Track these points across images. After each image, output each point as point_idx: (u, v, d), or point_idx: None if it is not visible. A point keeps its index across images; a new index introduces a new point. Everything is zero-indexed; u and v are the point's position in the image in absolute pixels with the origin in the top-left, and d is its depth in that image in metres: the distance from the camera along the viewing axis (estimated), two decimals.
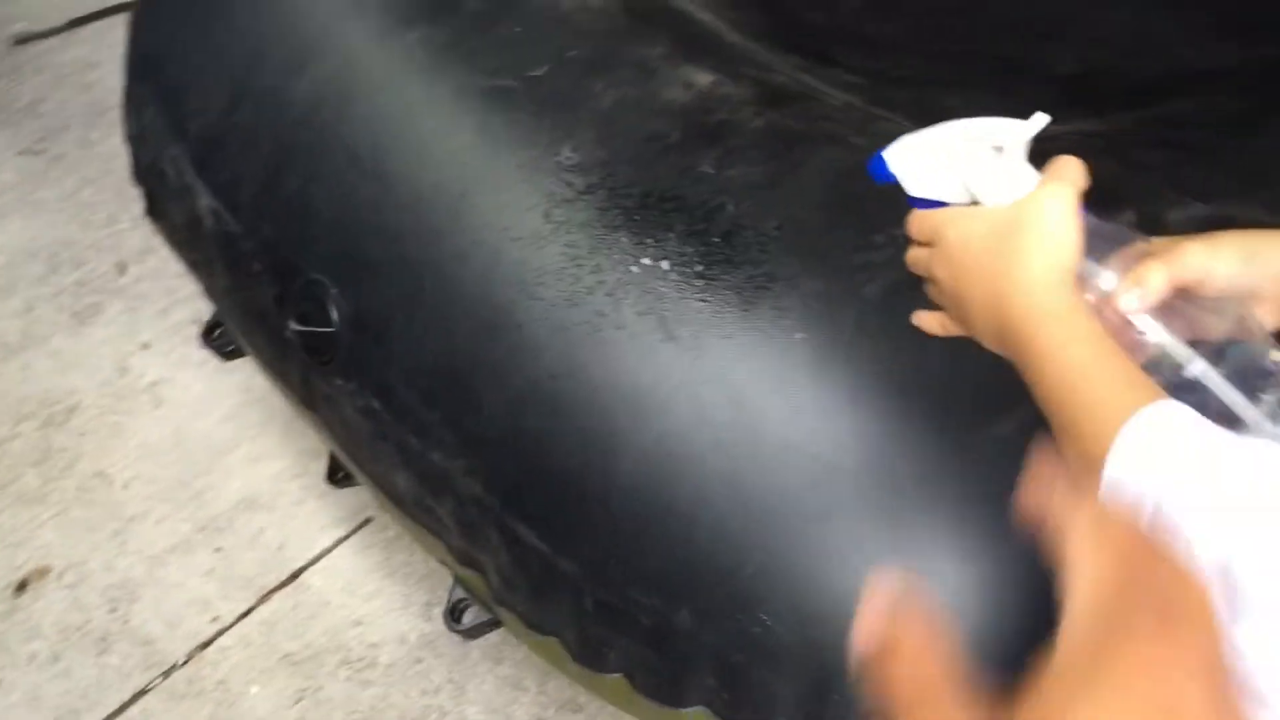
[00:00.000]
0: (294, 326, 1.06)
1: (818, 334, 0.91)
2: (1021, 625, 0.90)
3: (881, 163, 0.76)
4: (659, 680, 0.99)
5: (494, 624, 1.16)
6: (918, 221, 0.74)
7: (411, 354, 1.02)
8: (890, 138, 1.05)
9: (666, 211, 0.96)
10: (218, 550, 1.65)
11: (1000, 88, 1.24)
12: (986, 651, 0.89)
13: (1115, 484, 0.56)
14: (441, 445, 1.02)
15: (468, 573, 1.09)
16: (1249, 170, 1.04)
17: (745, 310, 0.92)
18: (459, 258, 1.00)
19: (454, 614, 1.16)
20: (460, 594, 1.16)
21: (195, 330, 1.90)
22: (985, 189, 0.69)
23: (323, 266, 1.08)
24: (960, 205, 0.72)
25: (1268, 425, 0.63)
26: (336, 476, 1.36)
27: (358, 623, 1.58)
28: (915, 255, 0.75)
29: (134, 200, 2.11)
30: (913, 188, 0.75)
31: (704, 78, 1.07)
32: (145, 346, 1.87)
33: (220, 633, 1.58)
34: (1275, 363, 0.66)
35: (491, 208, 0.99)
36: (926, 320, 0.78)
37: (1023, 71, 1.25)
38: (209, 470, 1.73)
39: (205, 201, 1.18)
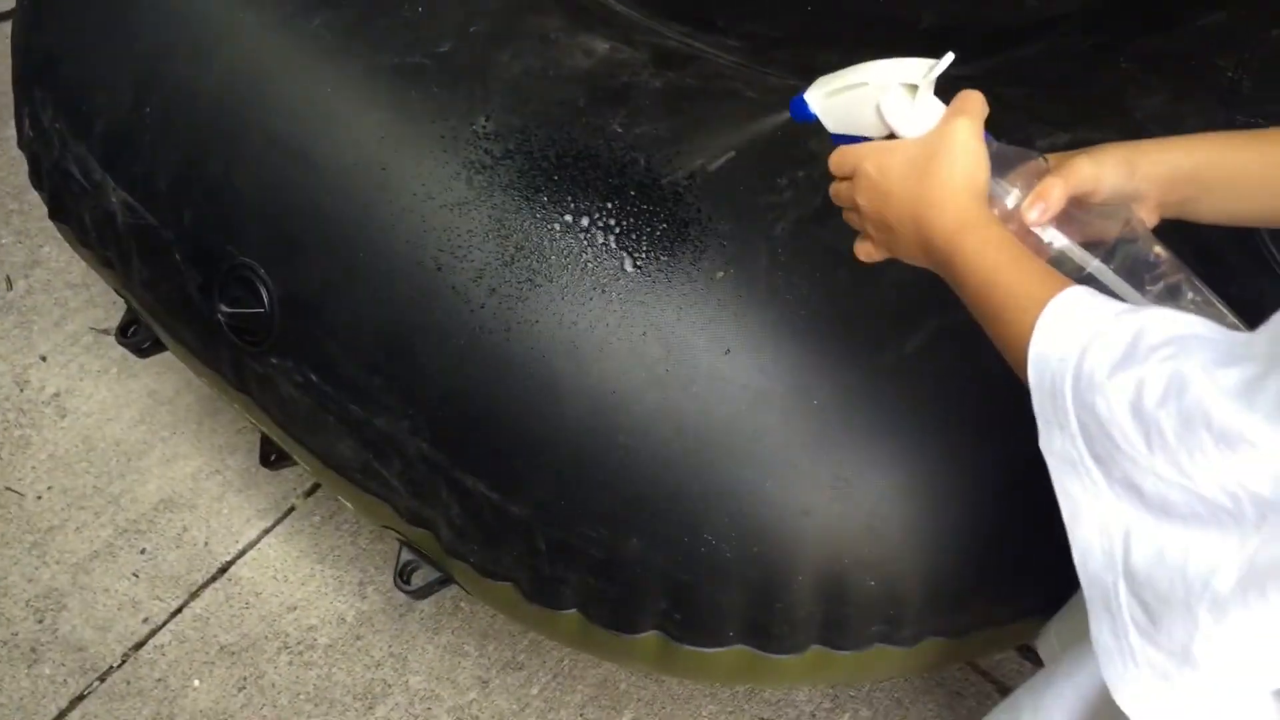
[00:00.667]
0: (224, 310, 1.09)
1: (735, 272, 0.98)
2: (939, 524, 0.99)
3: (802, 104, 0.82)
4: (613, 609, 1.05)
5: (443, 582, 1.20)
6: (839, 157, 0.80)
7: (349, 325, 1.06)
8: (780, 91, 1.14)
9: (583, 170, 1.02)
10: (142, 552, 1.65)
11: (870, 41, 1.32)
12: (909, 547, 0.98)
13: (1041, 357, 0.64)
14: (386, 410, 1.06)
15: (418, 532, 1.13)
16: (1099, 100, 1.15)
17: (667, 255, 0.98)
18: (387, 228, 1.04)
19: (403, 576, 1.20)
20: (408, 556, 1.20)
21: (92, 339, 1.88)
22: (900, 123, 0.76)
23: (251, 250, 1.10)
24: (877, 140, 0.78)
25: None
26: (270, 459, 1.38)
27: (293, 608, 1.60)
28: (838, 189, 0.82)
29: (15, 214, 2.08)
30: (832, 125, 0.81)
31: (601, 45, 1.13)
32: (43, 359, 1.85)
33: (154, 632, 1.58)
34: (1157, 255, 0.76)
35: (415, 178, 1.03)
36: (857, 248, 0.83)
37: (890, 26, 1.35)
38: (124, 475, 1.72)
39: (117, 197, 1.19)
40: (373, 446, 1.09)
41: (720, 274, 0.98)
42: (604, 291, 0.98)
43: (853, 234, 0.97)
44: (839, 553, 0.98)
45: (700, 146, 1.04)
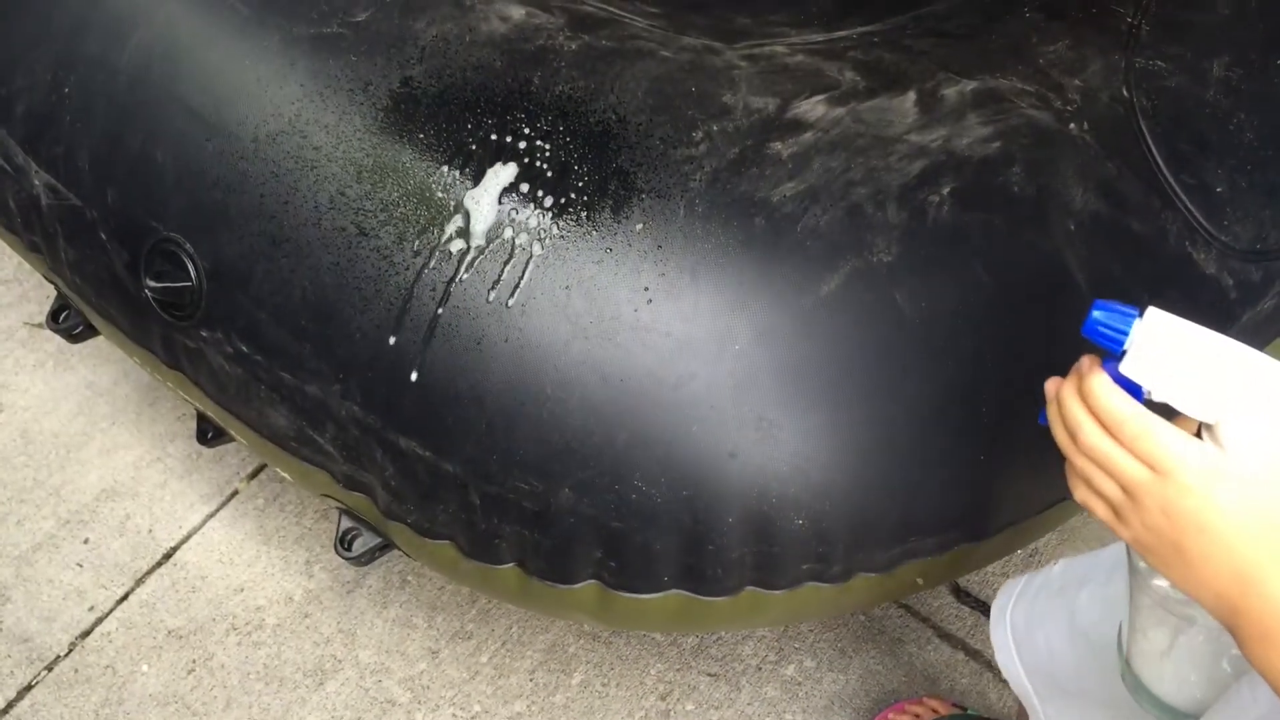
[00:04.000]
0: (150, 285, 1.09)
1: (654, 223, 1.00)
2: (862, 461, 1.02)
3: (1117, 317, 0.65)
4: (549, 561, 1.07)
5: (384, 547, 1.21)
6: (1142, 431, 0.62)
7: (276, 294, 1.06)
8: (694, 51, 1.15)
9: (503, 132, 1.03)
10: (85, 542, 1.64)
11: (785, 3, 1.35)
12: (834, 485, 1.01)
13: None
14: (317, 375, 1.06)
15: (355, 496, 1.14)
16: (1004, 49, 1.18)
17: (589, 212, 1.00)
18: (309, 196, 1.04)
19: (344, 543, 1.21)
20: (348, 523, 1.21)
21: (27, 334, 1.86)
22: (1239, 426, 0.59)
23: (175, 224, 1.10)
24: (1191, 420, 0.62)
25: None
26: (207, 436, 1.38)
27: (239, 590, 1.60)
28: (1107, 452, 0.64)
29: None
30: (1147, 371, 0.63)
31: (517, 11, 1.14)
32: None
33: (100, 620, 1.57)
34: None
35: (334, 145, 1.04)
36: (1095, 506, 0.68)
37: None
38: (64, 467, 1.71)
39: (40, 179, 1.19)
40: (305, 413, 1.10)
41: (640, 226, 1.00)
42: (528, 247, 0.99)
43: (766, 182, 1.00)
44: (766, 493, 1.00)
45: (615, 103, 1.05)
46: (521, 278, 0.98)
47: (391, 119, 1.05)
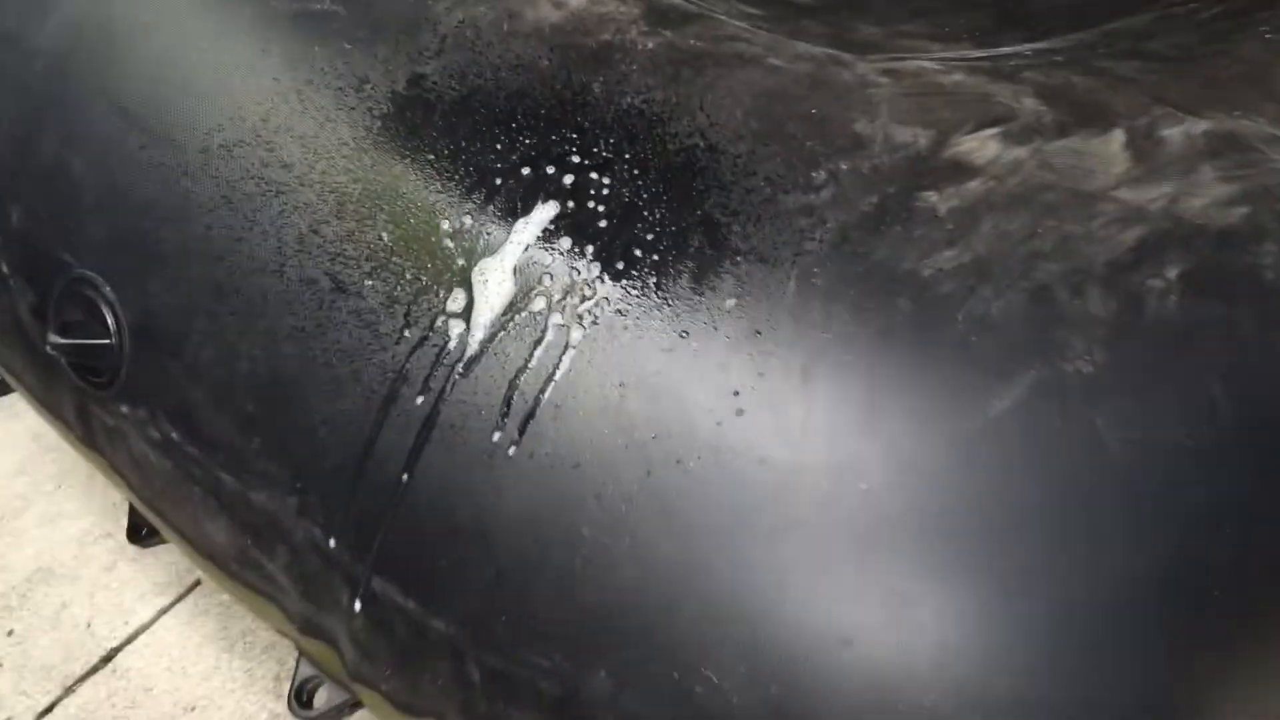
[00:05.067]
0: (55, 340, 0.82)
1: (753, 300, 0.72)
2: (1036, 660, 0.72)
3: None
4: None
5: (355, 705, 0.93)
6: None
7: (219, 365, 0.80)
8: (814, 60, 0.88)
9: (546, 158, 0.76)
10: (10, 634, 1.38)
11: (926, 11, 1.07)
12: (993, 692, 0.72)
13: None
14: (266, 481, 0.79)
15: (314, 644, 0.86)
16: (1241, 78, 0.89)
17: (657, 276, 0.72)
18: (273, 232, 0.77)
19: (301, 697, 0.93)
20: (308, 671, 0.93)
21: None
22: None
23: (92, 260, 0.84)
24: None
25: None
26: (141, 533, 1.12)
27: (190, 708, 1.33)
28: None
29: None
30: None
31: None
32: None
33: None
34: None
35: (313, 165, 0.77)
36: None
37: None
38: None
39: None
40: (250, 530, 0.83)
41: (731, 303, 0.72)
42: (567, 325, 0.72)
43: (915, 248, 0.72)
44: (893, 701, 0.70)
45: (708, 124, 0.78)
46: (556, 368, 0.71)
47: (391, 132, 0.78)
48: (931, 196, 0.76)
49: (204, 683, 1.36)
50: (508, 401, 0.72)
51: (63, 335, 0.84)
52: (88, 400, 0.89)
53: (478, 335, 0.73)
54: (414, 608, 0.76)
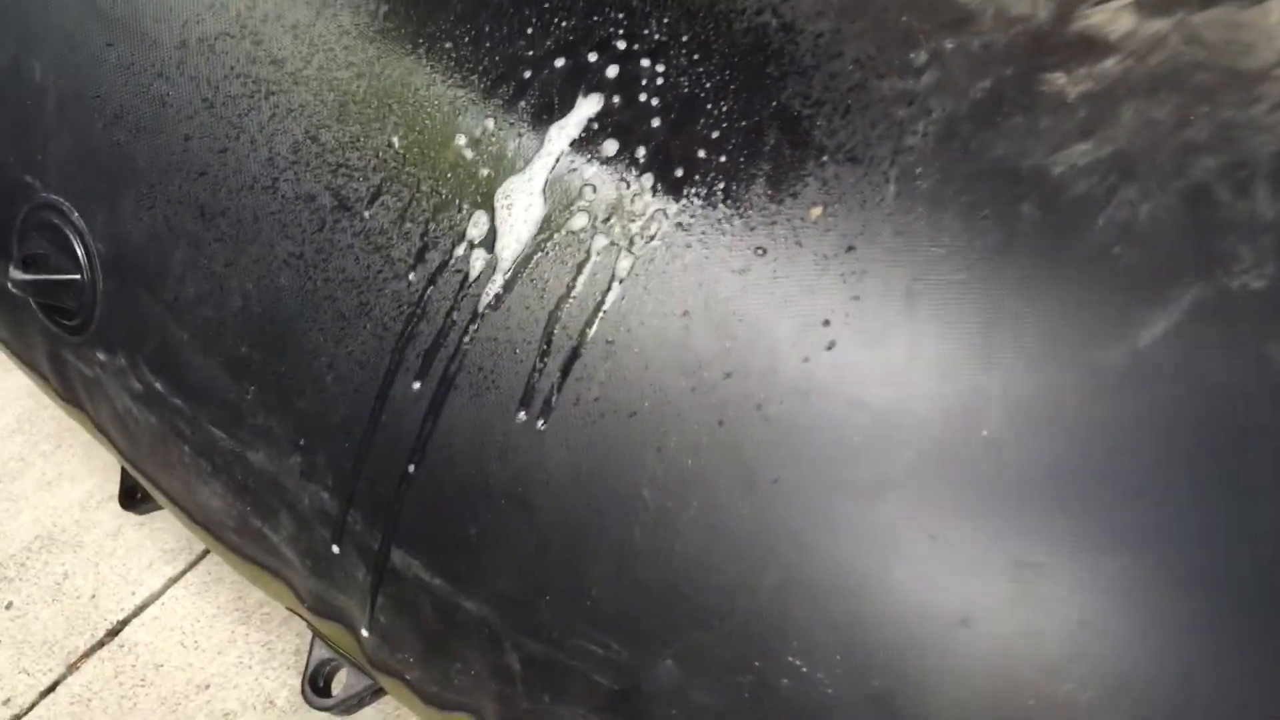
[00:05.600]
0: (16, 276, 0.71)
1: (843, 208, 0.60)
2: (1193, 639, 0.61)
3: None
4: None
5: (377, 691, 0.82)
6: None
7: (205, 300, 0.68)
8: None
9: (584, 43, 0.63)
10: (8, 608, 1.29)
11: None
12: (1140, 675, 0.60)
13: None
14: (263, 437, 0.68)
15: (328, 625, 0.76)
16: None
17: (728, 185, 0.60)
18: (263, 140, 0.66)
19: (317, 683, 0.82)
20: (324, 653, 0.82)
21: None
22: None
23: (57, 180, 0.73)
24: None
25: None
26: (135, 497, 1.01)
27: (204, 686, 1.24)
28: None
29: None
30: None
31: None
32: None
33: (18, 718, 1.22)
34: None
35: (306, 57, 0.65)
36: None
37: None
38: None
39: None
40: (248, 495, 0.72)
41: (817, 211, 0.60)
42: (617, 245, 0.60)
43: (1040, 142, 0.60)
44: (1021, 691, 0.59)
45: (780, 1, 0.65)
46: (605, 296, 0.59)
47: (401, 17, 0.66)
48: (1058, 79, 0.63)
49: (218, 658, 1.26)
50: (547, 338, 0.60)
51: (25, 270, 0.72)
52: (61, 347, 0.79)
53: (508, 259, 0.61)
54: (441, 585, 0.65)
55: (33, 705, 1.24)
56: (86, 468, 1.40)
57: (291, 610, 0.82)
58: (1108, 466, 0.59)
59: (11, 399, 1.44)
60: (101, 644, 1.28)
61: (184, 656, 1.27)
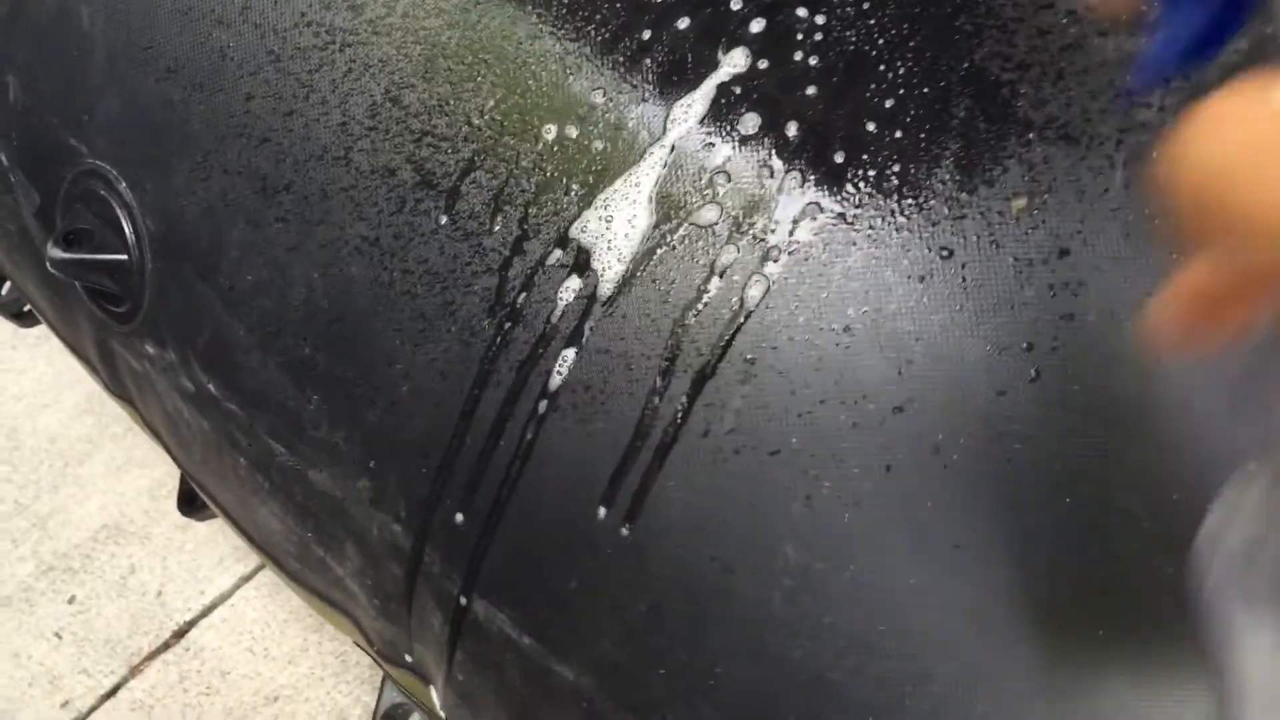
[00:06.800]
0: (55, 255, 0.63)
1: (1057, 199, 0.48)
2: None
3: None
4: None
5: None
6: None
7: (263, 291, 0.59)
8: None
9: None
10: (71, 601, 1.23)
11: None
12: None
13: None
14: (328, 454, 0.59)
15: (399, 671, 0.66)
16: None
17: (904, 166, 0.49)
18: (336, 100, 0.56)
19: None
20: (396, 696, 0.73)
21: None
22: None
23: (104, 144, 0.64)
24: None
25: None
26: (196, 501, 0.94)
27: (273, 698, 1.16)
28: None
29: None
30: None
31: None
32: None
33: None
34: None
35: (397, 5, 0.55)
36: None
37: None
38: (56, 487, 1.31)
39: None
40: (311, 518, 0.62)
41: (1020, 204, 0.48)
42: (760, 242, 0.49)
43: None
44: None
45: None
46: (742, 304, 0.48)
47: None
48: None
49: (289, 668, 1.19)
50: (671, 353, 0.50)
51: (67, 249, 0.64)
52: (109, 335, 0.70)
53: (624, 255, 0.50)
54: (530, 645, 0.55)
55: (92, 709, 1.17)
56: (157, 453, 1.34)
57: (357, 645, 0.73)
58: None
59: (81, 377, 1.38)
60: (167, 646, 1.21)
61: (252, 664, 1.19)
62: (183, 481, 0.95)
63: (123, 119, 0.64)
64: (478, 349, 0.53)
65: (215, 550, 1.26)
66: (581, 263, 0.51)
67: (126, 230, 0.64)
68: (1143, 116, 0.49)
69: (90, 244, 0.64)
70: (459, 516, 0.55)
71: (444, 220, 0.54)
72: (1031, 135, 0.49)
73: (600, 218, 0.50)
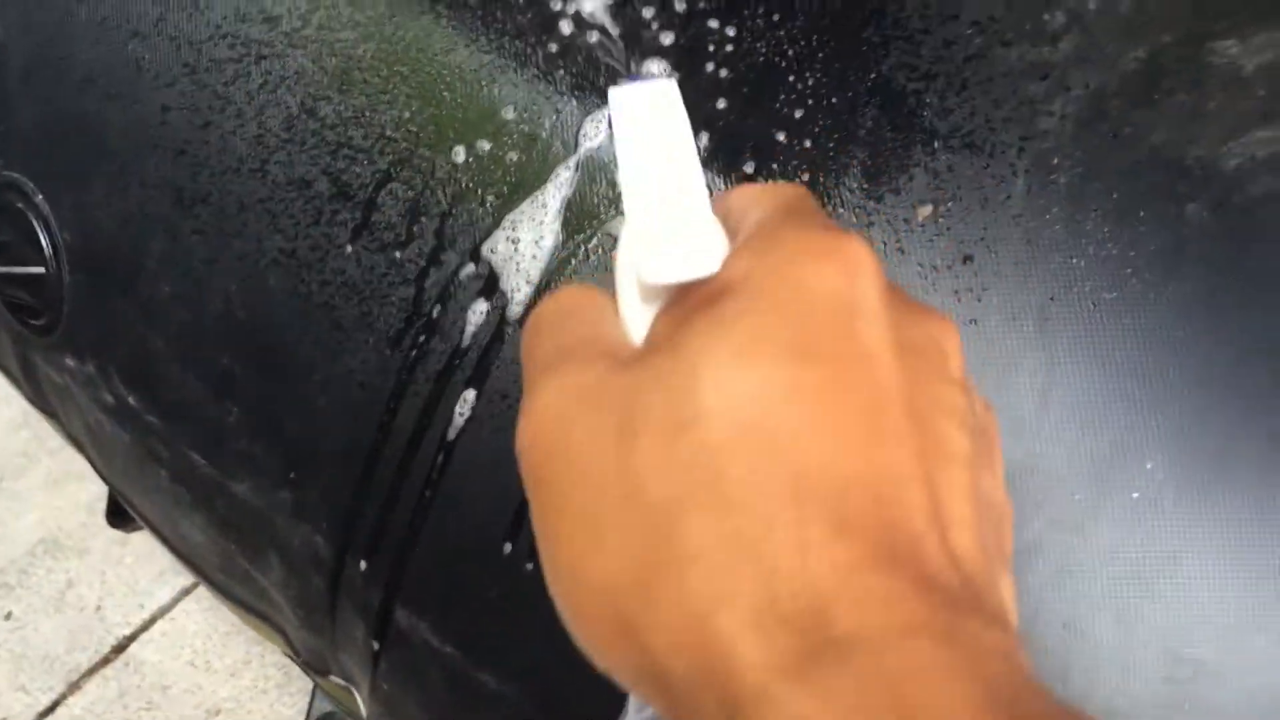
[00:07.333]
0: None
1: (960, 207, 0.49)
2: None
3: None
4: None
5: None
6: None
7: (181, 303, 0.59)
8: None
9: None
10: (7, 618, 1.22)
11: None
12: None
13: None
14: (249, 466, 0.59)
15: (329, 682, 0.67)
16: None
17: (813, 180, 0.50)
18: (258, 116, 0.56)
19: None
20: (327, 706, 0.73)
21: None
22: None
23: (19, 155, 0.64)
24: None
25: None
26: (122, 514, 0.93)
27: (215, 712, 1.16)
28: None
29: None
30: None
31: None
32: None
33: None
34: None
35: (313, 16, 0.56)
36: None
37: None
38: None
39: None
40: (234, 529, 0.62)
41: (926, 211, 0.49)
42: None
43: (1209, 125, 0.49)
44: None
45: None
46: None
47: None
48: (1230, 47, 0.52)
49: (231, 681, 1.18)
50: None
51: None
52: (29, 349, 0.70)
53: (533, 277, 0.51)
54: (453, 654, 0.55)
55: None
56: None
57: (286, 655, 0.73)
58: None
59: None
60: (106, 661, 1.20)
61: (194, 678, 1.19)
62: (111, 492, 0.94)
63: (38, 130, 0.64)
64: (395, 360, 0.54)
65: (155, 564, 1.26)
66: (491, 284, 0.51)
67: (43, 242, 0.63)
68: (1044, 124, 0.50)
69: (6, 256, 0.64)
70: (379, 525, 0.55)
71: (361, 231, 0.54)
72: (936, 144, 0.50)
73: (508, 238, 0.51)
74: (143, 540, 1.27)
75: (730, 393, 0.24)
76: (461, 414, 0.53)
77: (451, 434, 0.53)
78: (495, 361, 0.51)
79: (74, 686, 1.19)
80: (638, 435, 0.24)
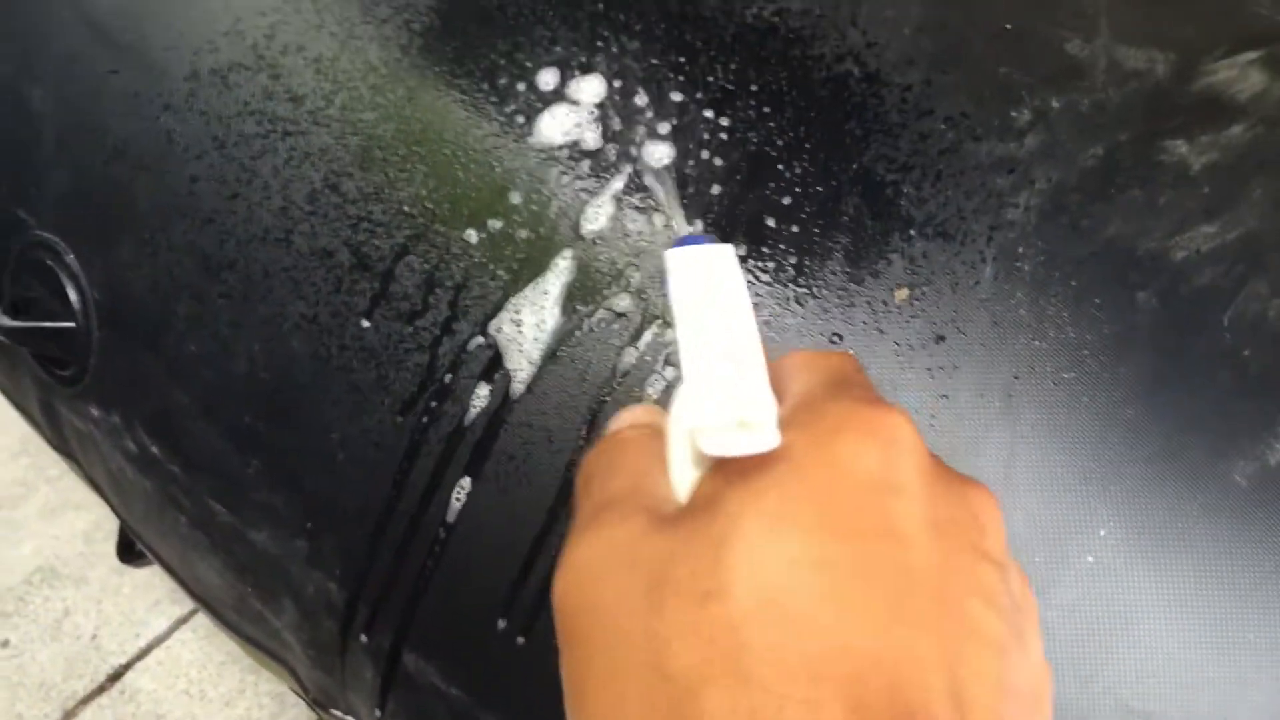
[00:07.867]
0: (4, 323, 0.66)
1: (934, 291, 0.54)
2: None
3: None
4: None
5: None
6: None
7: (206, 363, 0.63)
8: None
9: (644, 90, 0.58)
10: (4, 645, 1.25)
11: None
12: None
13: None
14: (267, 516, 0.63)
15: (330, 715, 0.71)
16: None
17: (796, 260, 0.54)
18: (283, 189, 0.61)
19: None
20: None
21: None
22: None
23: (52, 217, 0.68)
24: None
25: None
26: (132, 550, 0.97)
27: None
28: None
29: None
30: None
31: None
32: None
33: None
34: None
35: (329, 95, 0.60)
36: None
37: None
38: None
39: None
40: (249, 575, 0.66)
41: (902, 295, 0.54)
42: (670, 324, 0.54)
43: (1160, 219, 0.54)
44: None
45: (863, 44, 0.59)
46: (653, 385, 0.53)
47: (435, 53, 0.60)
48: (1179, 147, 0.57)
49: (225, 710, 1.22)
50: (588, 423, 0.55)
51: (15, 315, 0.68)
52: (53, 396, 0.74)
53: (546, 338, 0.55)
54: (459, 695, 0.60)
55: None
56: (93, 496, 1.36)
57: (294, 692, 0.77)
58: (1237, 597, 0.52)
59: (17, 419, 1.40)
60: (102, 689, 1.23)
61: (189, 707, 1.22)
62: (122, 530, 0.98)
63: (71, 194, 0.68)
64: (409, 421, 0.58)
65: (151, 593, 1.29)
66: (497, 360, 0.56)
67: (73, 298, 0.67)
68: (1010, 215, 0.55)
69: (39, 312, 0.68)
70: (390, 575, 0.59)
71: (379, 301, 0.58)
72: (913, 231, 0.55)
73: (512, 320, 0.55)
74: (138, 570, 1.30)
75: (757, 565, 0.25)
76: (458, 499, 0.57)
77: (451, 517, 0.57)
78: (499, 434, 0.56)
79: (70, 715, 1.22)
80: (665, 600, 0.25)
